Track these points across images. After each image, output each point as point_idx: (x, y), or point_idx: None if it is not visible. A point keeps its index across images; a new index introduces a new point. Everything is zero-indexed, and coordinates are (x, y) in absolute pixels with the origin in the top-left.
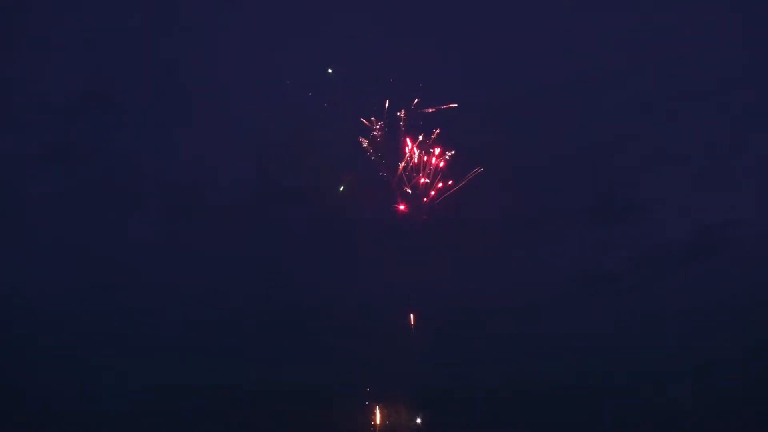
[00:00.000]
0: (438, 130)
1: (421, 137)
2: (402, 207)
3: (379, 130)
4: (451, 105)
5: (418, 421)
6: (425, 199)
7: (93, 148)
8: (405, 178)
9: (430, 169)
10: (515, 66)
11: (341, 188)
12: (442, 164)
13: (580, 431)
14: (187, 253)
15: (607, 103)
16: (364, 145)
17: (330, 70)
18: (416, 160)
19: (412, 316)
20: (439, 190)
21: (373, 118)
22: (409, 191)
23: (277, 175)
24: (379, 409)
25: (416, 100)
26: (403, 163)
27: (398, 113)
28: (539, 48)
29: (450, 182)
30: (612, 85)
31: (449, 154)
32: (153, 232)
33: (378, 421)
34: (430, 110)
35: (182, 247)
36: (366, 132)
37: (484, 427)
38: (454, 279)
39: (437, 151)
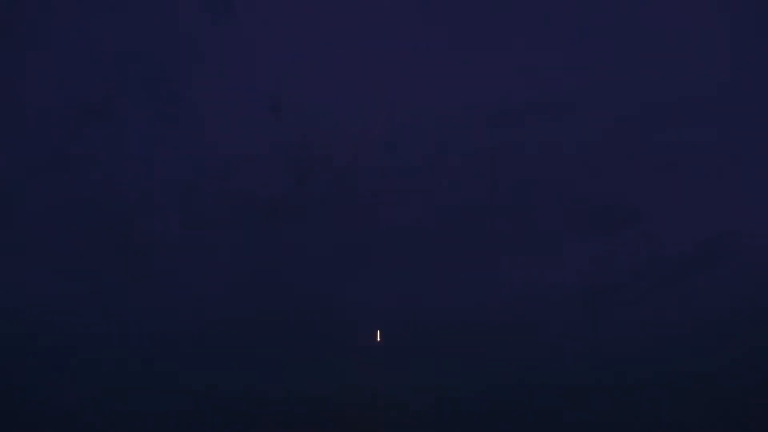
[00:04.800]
0: None
1: None
2: None
3: None
4: None
5: None
6: None
7: (93, 157)
8: None
9: None
10: (513, 74)
11: None
12: None
13: None
14: (188, 257)
15: (605, 112)
16: None
17: None
18: None
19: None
20: None
21: None
22: None
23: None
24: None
25: None
26: None
27: None
28: (536, 57)
29: None
30: (611, 94)
31: None
32: (154, 235)
33: None
34: None
35: (184, 250)
36: None
37: None
38: (450, 292)
39: None
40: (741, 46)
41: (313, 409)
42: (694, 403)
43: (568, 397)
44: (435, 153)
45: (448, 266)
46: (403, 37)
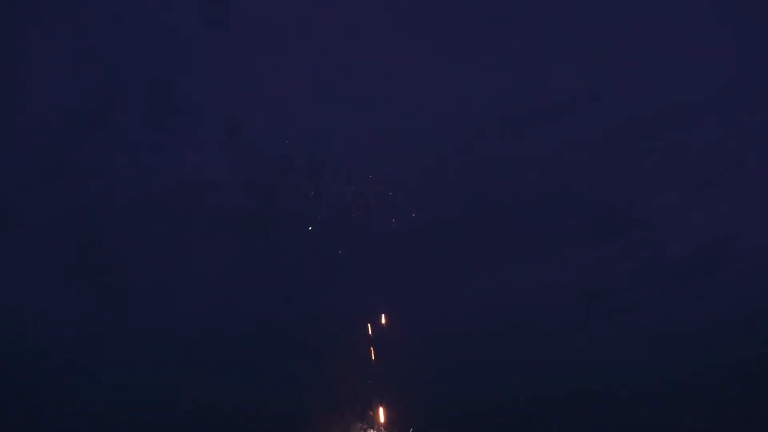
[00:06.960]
0: None
1: None
2: None
3: None
4: None
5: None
6: None
7: (91, 167)
8: None
9: None
10: (512, 82)
11: None
12: None
13: None
14: (188, 265)
15: (605, 117)
16: None
17: None
18: None
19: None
20: None
21: None
22: None
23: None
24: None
25: None
26: None
27: None
28: (533, 64)
29: None
30: (609, 98)
31: None
32: (152, 245)
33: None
34: None
35: (184, 258)
36: None
37: None
38: (454, 296)
39: None
40: (740, 50)
41: (295, 415)
42: (695, 406)
43: (567, 399)
44: (434, 159)
45: (447, 271)
46: (400, 43)
